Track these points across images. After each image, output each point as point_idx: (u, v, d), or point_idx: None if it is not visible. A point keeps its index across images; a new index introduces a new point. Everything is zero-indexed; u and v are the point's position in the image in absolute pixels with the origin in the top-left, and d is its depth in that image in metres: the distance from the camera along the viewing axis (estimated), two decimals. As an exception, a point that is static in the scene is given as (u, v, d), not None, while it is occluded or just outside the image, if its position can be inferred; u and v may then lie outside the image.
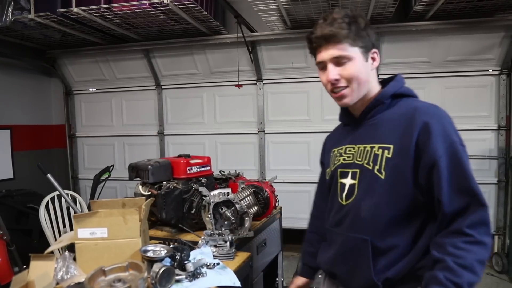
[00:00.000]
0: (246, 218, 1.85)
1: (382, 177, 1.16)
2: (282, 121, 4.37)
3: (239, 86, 3.93)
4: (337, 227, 1.29)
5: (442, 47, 3.82)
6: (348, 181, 1.26)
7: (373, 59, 1.24)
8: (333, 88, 1.23)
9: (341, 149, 1.33)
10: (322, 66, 1.24)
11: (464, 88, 3.93)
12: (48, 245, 2.73)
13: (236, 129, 4.51)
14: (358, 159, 1.24)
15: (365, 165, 1.21)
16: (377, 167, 1.18)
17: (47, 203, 2.91)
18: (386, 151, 1.17)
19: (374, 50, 1.23)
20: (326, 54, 1.20)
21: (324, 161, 1.51)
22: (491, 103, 3.91)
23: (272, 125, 4.41)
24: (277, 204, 2.52)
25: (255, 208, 2.11)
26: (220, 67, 4.42)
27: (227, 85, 4.40)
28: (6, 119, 4.37)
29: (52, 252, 1.61)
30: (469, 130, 3.86)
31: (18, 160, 4.47)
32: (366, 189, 1.20)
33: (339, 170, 1.31)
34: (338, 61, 1.19)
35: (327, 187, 1.41)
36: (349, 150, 1.29)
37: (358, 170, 1.23)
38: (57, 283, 1.40)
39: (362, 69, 1.21)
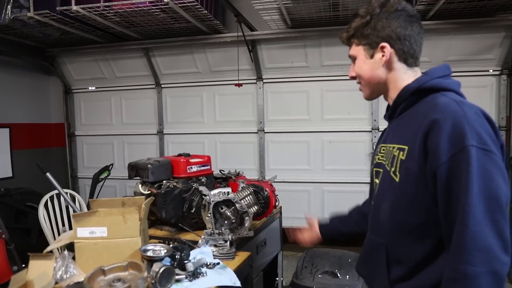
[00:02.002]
0: (246, 218, 1.84)
1: (397, 179, 1.10)
2: (282, 120, 4.37)
3: (239, 85, 3.92)
4: (368, 227, 1.29)
5: (443, 47, 3.81)
6: (378, 180, 1.24)
7: (383, 54, 1.16)
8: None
9: (378, 147, 1.31)
10: None
11: (465, 88, 3.80)
12: (47, 244, 2.72)
13: (235, 128, 4.50)
14: (384, 159, 1.21)
15: (386, 166, 1.17)
16: (393, 169, 1.12)
17: (46, 202, 2.90)
18: (401, 153, 1.09)
19: (382, 44, 1.15)
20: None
21: None
22: (492, 104, 3.90)
23: (272, 125, 4.40)
24: (277, 203, 2.51)
25: (255, 207, 2.10)
26: (220, 66, 4.41)
27: (227, 84, 4.39)
28: (5, 117, 4.35)
29: (51, 251, 1.60)
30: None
31: (17, 159, 4.46)
32: (385, 191, 1.17)
33: (374, 169, 1.29)
34: (352, 59, 1.26)
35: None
36: (383, 149, 1.25)
37: (381, 171, 1.21)
38: (56, 283, 1.40)
39: (363, 67, 1.22)
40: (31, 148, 4.74)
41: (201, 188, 2.04)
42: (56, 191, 2.89)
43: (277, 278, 2.64)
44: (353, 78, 1.28)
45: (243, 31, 3.81)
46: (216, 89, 4.53)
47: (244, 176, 2.65)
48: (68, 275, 1.41)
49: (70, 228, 2.90)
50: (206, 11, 3.53)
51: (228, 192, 1.92)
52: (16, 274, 1.33)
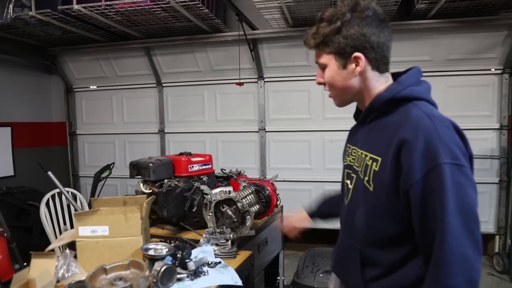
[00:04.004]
0: (248, 217, 1.84)
1: (371, 189, 1.10)
2: (283, 119, 4.37)
3: (240, 84, 3.92)
4: (341, 226, 1.31)
5: (444, 45, 3.81)
6: (349, 183, 1.25)
7: (357, 64, 1.11)
8: None
9: (349, 148, 1.31)
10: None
11: (466, 87, 3.92)
12: (49, 242, 2.73)
13: (237, 127, 4.50)
14: (356, 164, 1.21)
15: (359, 173, 1.17)
16: (366, 178, 1.12)
17: (48, 200, 2.91)
18: (374, 163, 1.09)
19: (356, 54, 1.09)
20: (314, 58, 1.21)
21: None
22: (493, 102, 3.90)
23: (273, 124, 4.40)
24: (278, 202, 2.51)
25: (257, 206, 2.10)
26: (221, 65, 4.41)
27: (228, 83, 4.39)
28: (6, 116, 4.36)
29: (53, 250, 1.61)
30: (471, 130, 3.85)
31: (18, 158, 4.46)
32: (360, 198, 1.17)
33: (345, 170, 1.30)
34: (320, 66, 1.19)
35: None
36: (354, 152, 1.25)
37: (355, 176, 1.21)
38: (58, 281, 1.40)
39: (336, 77, 1.15)
40: (33, 146, 4.74)
41: (203, 187, 2.04)
42: (57, 190, 2.89)
43: (278, 277, 2.64)
44: (320, 84, 1.21)
45: (244, 30, 3.81)
46: (217, 88, 4.53)
47: (246, 175, 2.65)
48: (69, 274, 1.41)
49: (72, 226, 2.90)
50: (208, 10, 3.53)
51: (229, 191, 1.92)
52: (18, 273, 1.33)
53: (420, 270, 1.01)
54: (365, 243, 1.15)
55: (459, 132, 1.00)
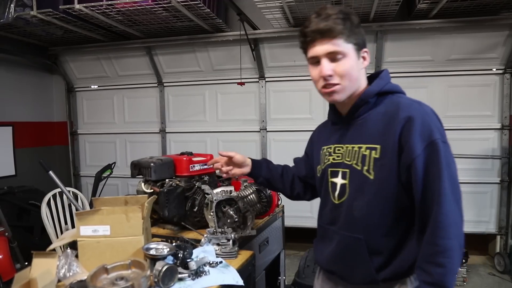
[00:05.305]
0: (249, 216, 1.84)
1: (371, 177, 1.17)
2: (284, 119, 4.37)
3: (241, 84, 3.92)
4: (332, 225, 1.32)
5: (446, 45, 3.80)
6: (339, 180, 1.28)
7: (364, 58, 1.23)
8: (326, 84, 1.20)
9: (330, 148, 1.34)
10: (315, 61, 1.22)
11: (468, 87, 3.92)
12: (50, 242, 2.73)
13: (238, 127, 4.50)
14: (347, 159, 1.25)
15: (354, 165, 1.22)
16: (365, 167, 1.19)
17: (49, 200, 2.91)
18: (373, 152, 1.17)
19: (365, 49, 1.23)
20: (321, 48, 1.18)
21: (310, 154, 1.55)
22: (495, 102, 3.89)
23: (274, 123, 4.40)
24: (279, 202, 2.51)
25: (258, 206, 2.10)
26: (222, 65, 4.41)
27: (229, 83, 4.39)
28: (8, 116, 4.36)
29: (54, 250, 1.61)
30: (472, 130, 3.85)
31: (20, 157, 4.47)
32: (357, 190, 1.22)
33: (329, 169, 1.32)
34: (333, 56, 1.17)
35: (317, 183, 1.43)
36: (338, 150, 1.30)
37: (348, 170, 1.24)
38: (59, 281, 1.40)
39: (354, 67, 1.20)
40: (34, 146, 4.75)
41: (204, 186, 2.04)
42: (58, 190, 2.89)
43: (280, 277, 2.64)
44: (330, 76, 1.18)
45: (246, 30, 3.81)
46: (219, 87, 4.53)
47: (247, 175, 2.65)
48: (71, 273, 1.41)
49: (73, 226, 2.90)
50: (209, 10, 3.53)
51: (230, 190, 1.92)
52: (20, 272, 1.33)
53: (415, 251, 1.13)
54: (369, 232, 1.19)
55: (437, 117, 1.16)
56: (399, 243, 1.18)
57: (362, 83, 1.26)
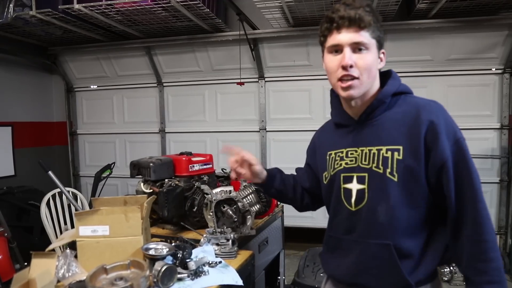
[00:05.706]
0: (248, 216, 1.84)
1: (395, 179, 1.13)
2: (283, 119, 4.36)
3: (240, 83, 3.92)
4: (349, 235, 1.24)
5: (445, 45, 3.80)
6: (354, 186, 1.21)
7: (381, 59, 1.20)
8: (343, 76, 1.13)
9: (341, 152, 1.26)
10: (335, 49, 1.15)
11: (467, 87, 3.92)
12: (49, 242, 2.73)
13: (237, 127, 4.50)
14: (364, 162, 1.19)
15: (374, 168, 1.16)
16: (388, 170, 1.14)
17: (48, 200, 2.91)
18: (396, 153, 1.13)
19: (383, 50, 1.20)
20: (346, 36, 1.12)
21: (312, 164, 1.46)
22: (494, 102, 3.89)
23: (274, 123, 4.40)
24: (278, 202, 2.51)
25: (257, 206, 2.10)
26: (222, 65, 4.41)
27: (229, 83, 4.38)
28: (7, 116, 4.36)
29: (53, 250, 1.61)
30: (472, 129, 3.85)
31: (19, 157, 4.47)
32: (380, 193, 1.16)
33: (342, 175, 1.24)
34: (357, 47, 1.12)
35: (323, 191, 1.35)
36: (351, 154, 1.22)
37: (366, 174, 1.18)
38: (59, 281, 1.40)
39: (375, 63, 1.17)
40: (33, 146, 4.75)
41: (203, 186, 2.04)
42: (58, 190, 2.89)
43: (279, 277, 2.64)
44: (350, 67, 1.12)
45: (245, 30, 3.80)
46: (218, 87, 4.53)
47: (246, 175, 2.64)
48: (70, 274, 1.41)
49: (72, 226, 2.90)
50: (208, 10, 3.53)
51: (230, 190, 1.92)
52: (19, 272, 1.33)
53: (441, 250, 1.16)
54: (396, 236, 1.15)
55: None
56: (426, 243, 1.17)
57: (376, 83, 1.21)
